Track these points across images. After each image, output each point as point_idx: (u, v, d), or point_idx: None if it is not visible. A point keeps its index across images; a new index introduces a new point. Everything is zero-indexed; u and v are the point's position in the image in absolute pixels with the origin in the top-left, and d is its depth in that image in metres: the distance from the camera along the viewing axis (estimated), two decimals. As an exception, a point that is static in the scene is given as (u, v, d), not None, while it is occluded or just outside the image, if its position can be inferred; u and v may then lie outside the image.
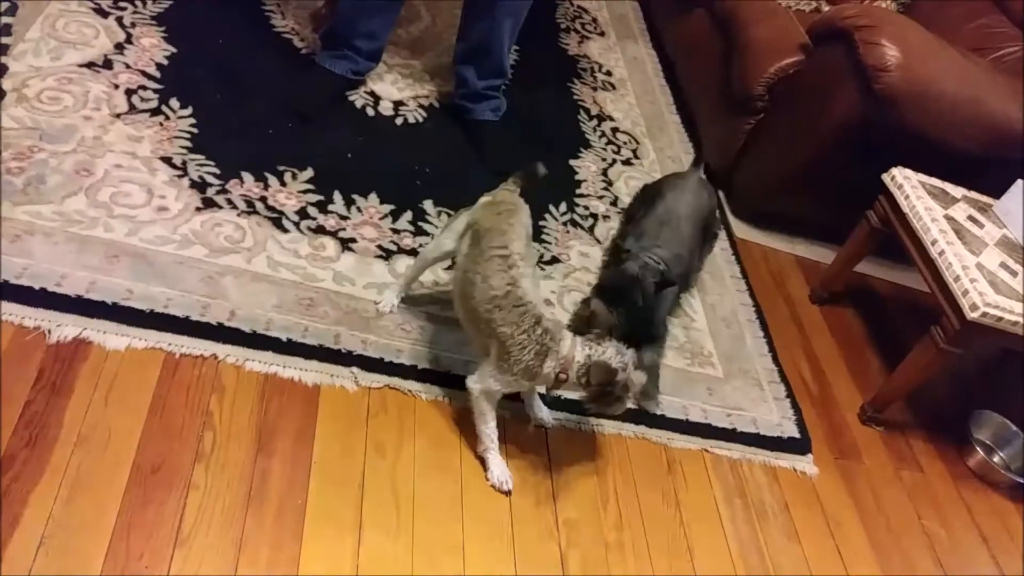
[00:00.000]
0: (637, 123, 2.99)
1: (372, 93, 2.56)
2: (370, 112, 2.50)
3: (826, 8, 2.98)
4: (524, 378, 1.65)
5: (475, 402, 1.70)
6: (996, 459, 2.40)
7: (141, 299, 1.73)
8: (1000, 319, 1.98)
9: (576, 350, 1.62)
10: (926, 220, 2.19)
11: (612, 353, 1.63)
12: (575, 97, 2.98)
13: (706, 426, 2.05)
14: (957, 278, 2.04)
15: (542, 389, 1.82)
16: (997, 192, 2.36)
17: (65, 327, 1.63)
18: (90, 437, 1.50)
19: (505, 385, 1.67)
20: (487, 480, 1.73)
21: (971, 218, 2.27)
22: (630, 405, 1.98)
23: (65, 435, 1.49)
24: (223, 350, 1.72)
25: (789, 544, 1.90)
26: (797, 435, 2.15)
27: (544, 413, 1.88)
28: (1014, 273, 2.12)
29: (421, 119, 2.55)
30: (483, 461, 1.75)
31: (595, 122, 2.90)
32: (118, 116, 2.11)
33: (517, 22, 2.44)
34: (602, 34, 3.43)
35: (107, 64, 2.23)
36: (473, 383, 1.69)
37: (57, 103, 2.06)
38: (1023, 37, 2.71)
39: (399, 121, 2.51)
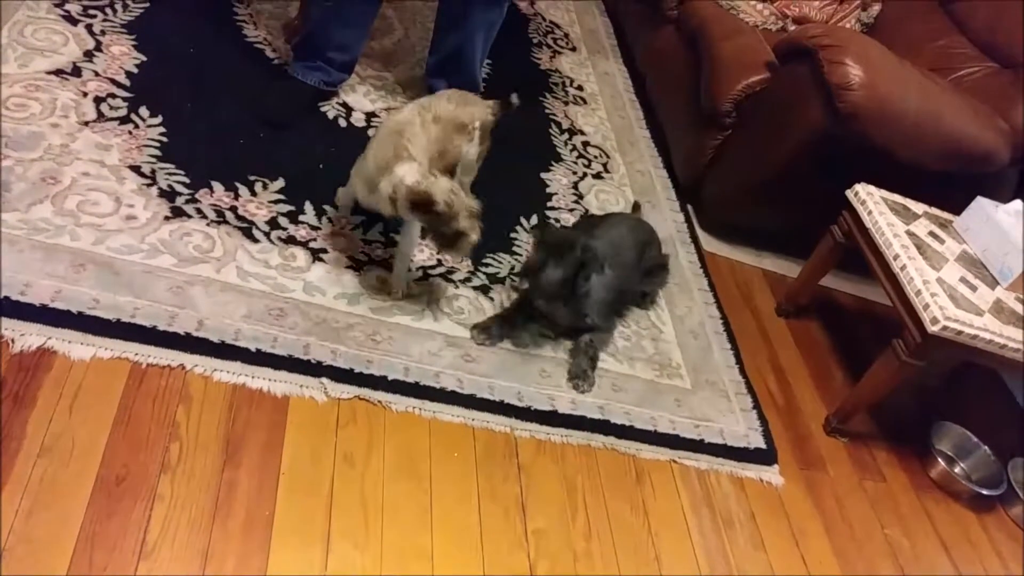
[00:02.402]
0: (607, 137, 3.03)
1: (344, 104, 2.56)
2: (342, 123, 2.50)
3: (792, 27, 3.04)
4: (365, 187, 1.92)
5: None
6: (957, 470, 2.44)
7: (107, 308, 1.71)
8: (960, 332, 2.03)
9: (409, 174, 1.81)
10: (888, 235, 2.23)
11: (444, 186, 1.79)
12: (546, 111, 3.01)
13: (674, 437, 2.07)
14: (918, 292, 2.09)
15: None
16: (957, 208, 2.42)
17: (29, 336, 1.61)
18: (53, 448, 1.48)
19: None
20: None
21: (932, 234, 2.32)
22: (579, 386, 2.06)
23: (28, 446, 1.46)
24: (191, 360, 1.71)
25: (755, 553, 1.93)
26: (763, 446, 2.17)
27: (404, 279, 2.06)
28: (973, 288, 2.17)
29: (393, 131, 2.56)
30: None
31: (566, 136, 2.93)
32: (86, 124, 2.09)
33: (489, 36, 2.46)
34: (573, 49, 3.47)
35: (76, 72, 2.21)
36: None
37: (24, 110, 2.04)
38: None
39: (371, 132, 2.51)
